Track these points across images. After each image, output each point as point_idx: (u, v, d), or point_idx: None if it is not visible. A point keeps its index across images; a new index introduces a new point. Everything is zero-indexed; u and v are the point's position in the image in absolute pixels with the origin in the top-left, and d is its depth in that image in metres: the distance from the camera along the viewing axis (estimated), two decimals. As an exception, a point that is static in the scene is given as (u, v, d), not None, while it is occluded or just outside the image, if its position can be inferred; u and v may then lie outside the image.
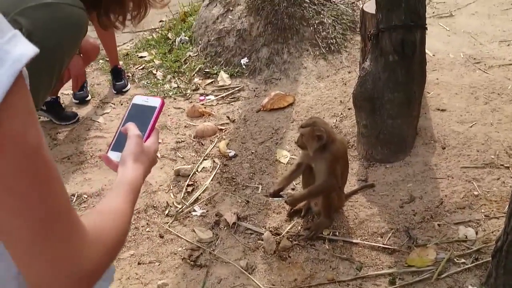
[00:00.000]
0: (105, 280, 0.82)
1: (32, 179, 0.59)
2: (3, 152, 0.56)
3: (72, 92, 3.75)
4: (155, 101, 1.06)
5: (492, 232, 2.34)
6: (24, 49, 0.57)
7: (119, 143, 0.99)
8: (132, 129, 0.97)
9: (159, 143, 3.26)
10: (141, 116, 1.04)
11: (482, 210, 2.48)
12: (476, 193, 2.58)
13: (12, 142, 0.57)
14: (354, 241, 2.42)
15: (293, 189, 2.78)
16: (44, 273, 0.62)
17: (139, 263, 2.41)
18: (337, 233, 2.48)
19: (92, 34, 3.05)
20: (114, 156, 0.99)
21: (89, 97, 3.76)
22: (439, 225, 2.43)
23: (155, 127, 1.03)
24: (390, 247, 2.36)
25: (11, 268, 0.68)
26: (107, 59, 4.03)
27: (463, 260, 2.24)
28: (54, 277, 0.63)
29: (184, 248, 2.48)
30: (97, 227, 0.70)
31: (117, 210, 0.80)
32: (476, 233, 2.36)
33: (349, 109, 3.24)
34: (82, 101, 3.71)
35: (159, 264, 2.40)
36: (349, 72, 3.65)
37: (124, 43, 4.54)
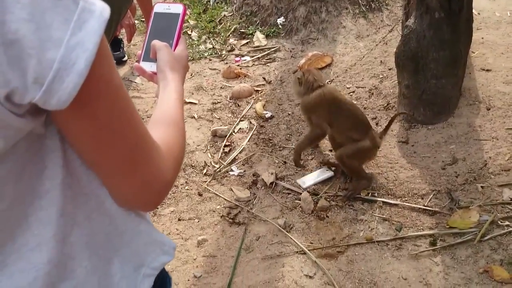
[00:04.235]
0: (169, 255, 0.86)
1: (121, 115, 0.65)
2: (98, 94, 0.62)
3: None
4: (177, 8, 1.05)
5: (539, 195, 2.28)
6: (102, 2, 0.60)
7: (148, 54, 1.03)
8: (158, 42, 1.00)
9: (195, 103, 3.25)
10: (166, 24, 1.05)
11: (528, 173, 2.40)
12: (522, 155, 2.49)
13: (104, 84, 0.62)
14: (394, 202, 2.38)
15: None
16: (133, 192, 0.71)
17: (179, 220, 2.44)
18: (376, 194, 2.45)
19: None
20: (146, 66, 1.04)
21: (126, 58, 3.78)
22: (482, 187, 2.37)
23: (181, 34, 1.04)
24: (431, 208, 2.32)
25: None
26: (143, 19, 4.02)
27: (507, 223, 2.19)
28: (141, 194, 0.72)
29: (222, 206, 2.50)
30: (166, 141, 0.78)
31: (175, 120, 0.86)
32: (522, 195, 2.30)
33: (389, 69, 3.15)
34: (119, 61, 3.72)
35: (198, 221, 2.43)
36: (390, 31, 3.54)
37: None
